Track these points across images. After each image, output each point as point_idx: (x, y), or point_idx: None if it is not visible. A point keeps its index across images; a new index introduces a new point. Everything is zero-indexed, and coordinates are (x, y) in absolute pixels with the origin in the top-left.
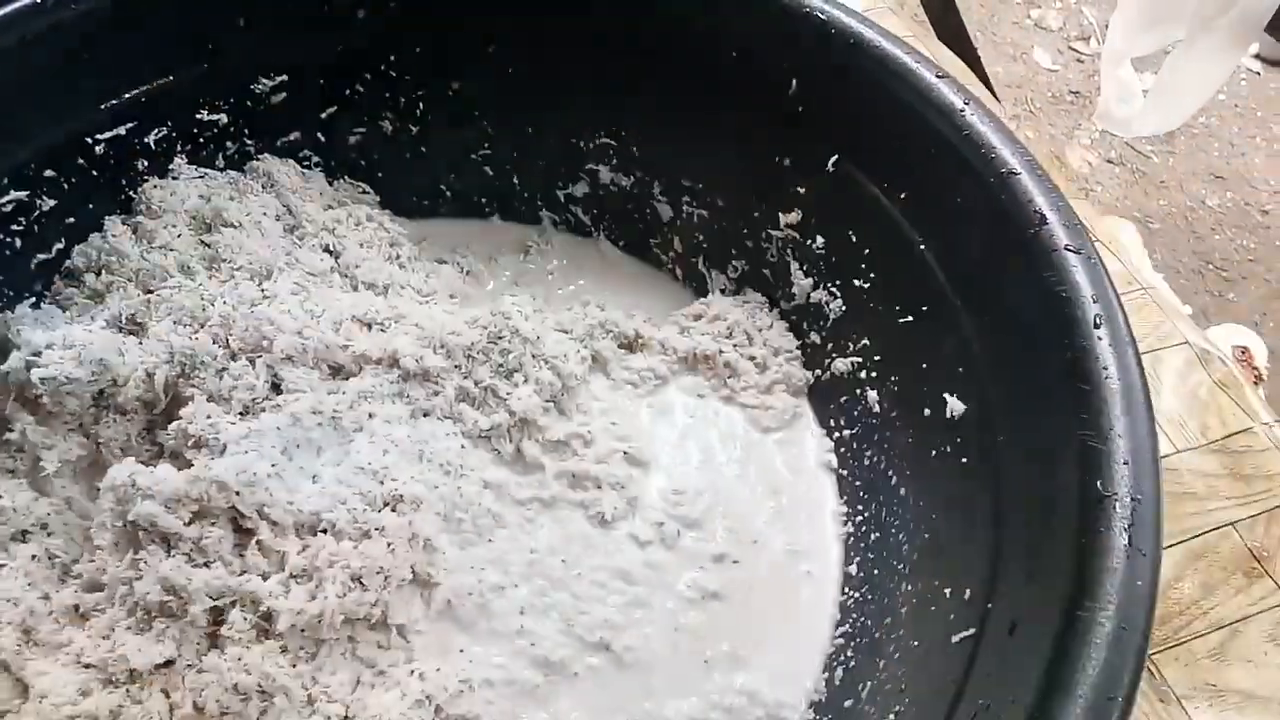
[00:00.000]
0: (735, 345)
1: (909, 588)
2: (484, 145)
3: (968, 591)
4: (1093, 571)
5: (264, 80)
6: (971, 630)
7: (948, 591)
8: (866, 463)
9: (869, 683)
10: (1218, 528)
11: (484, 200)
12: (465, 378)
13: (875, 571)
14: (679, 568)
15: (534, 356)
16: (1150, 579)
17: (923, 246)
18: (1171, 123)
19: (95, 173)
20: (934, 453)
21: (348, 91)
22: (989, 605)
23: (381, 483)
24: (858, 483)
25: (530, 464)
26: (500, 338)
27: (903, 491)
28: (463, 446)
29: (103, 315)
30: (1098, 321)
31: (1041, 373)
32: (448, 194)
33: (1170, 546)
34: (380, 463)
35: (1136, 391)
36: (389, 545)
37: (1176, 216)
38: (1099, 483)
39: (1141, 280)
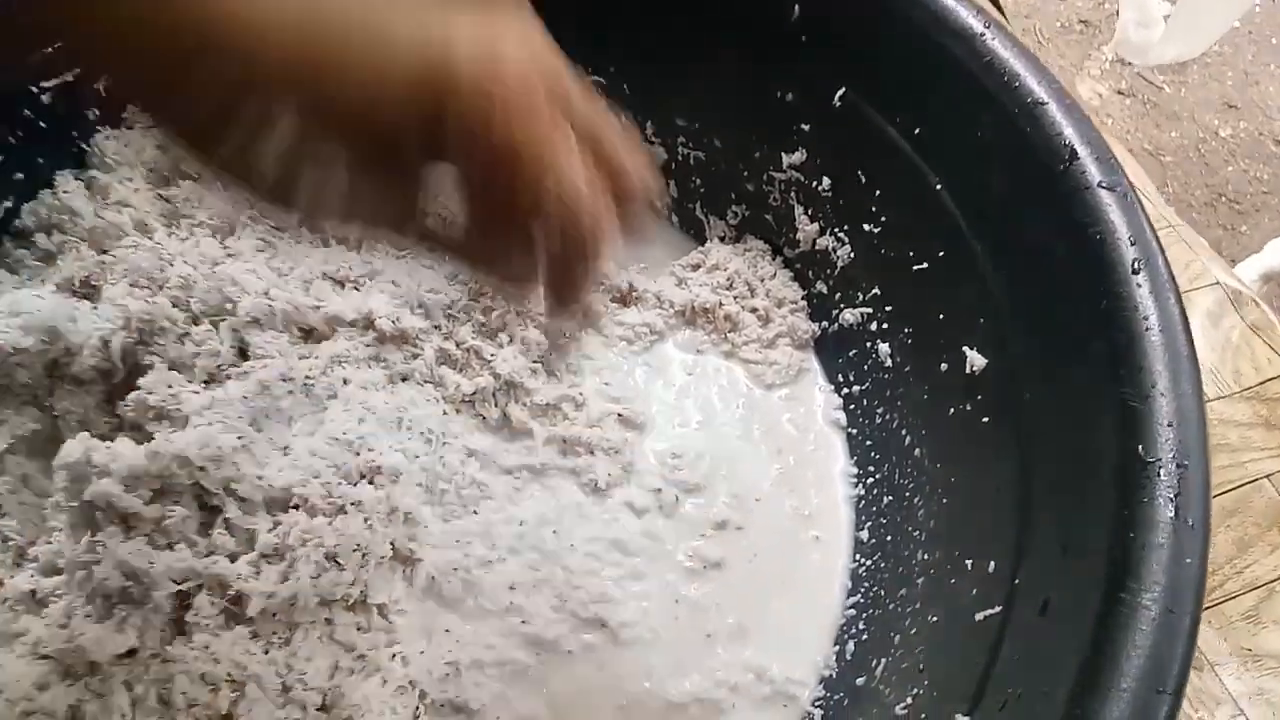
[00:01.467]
0: (736, 297)
1: (926, 557)
2: None
3: (992, 564)
4: (1136, 548)
5: None
6: (997, 608)
7: (969, 563)
8: (878, 420)
9: (883, 659)
10: (1252, 480)
11: None
12: (446, 339)
13: (888, 538)
14: (679, 536)
15: (518, 314)
16: (1200, 556)
17: (939, 186)
18: (1193, 50)
19: (43, 124)
20: (951, 410)
21: None
22: (1016, 581)
23: (357, 453)
24: (868, 442)
25: (517, 430)
26: (482, 294)
27: (917, 452)
28: (444, 413)
29: (54, 278)
30: (1136, 266)
31: (1073, 323)
32: None
33: None
34: (356, 432)
35: (1180, 344)
36: (366, 520)
37: (1189, 148)
38: (1140, 447)
39: (1167, 217)
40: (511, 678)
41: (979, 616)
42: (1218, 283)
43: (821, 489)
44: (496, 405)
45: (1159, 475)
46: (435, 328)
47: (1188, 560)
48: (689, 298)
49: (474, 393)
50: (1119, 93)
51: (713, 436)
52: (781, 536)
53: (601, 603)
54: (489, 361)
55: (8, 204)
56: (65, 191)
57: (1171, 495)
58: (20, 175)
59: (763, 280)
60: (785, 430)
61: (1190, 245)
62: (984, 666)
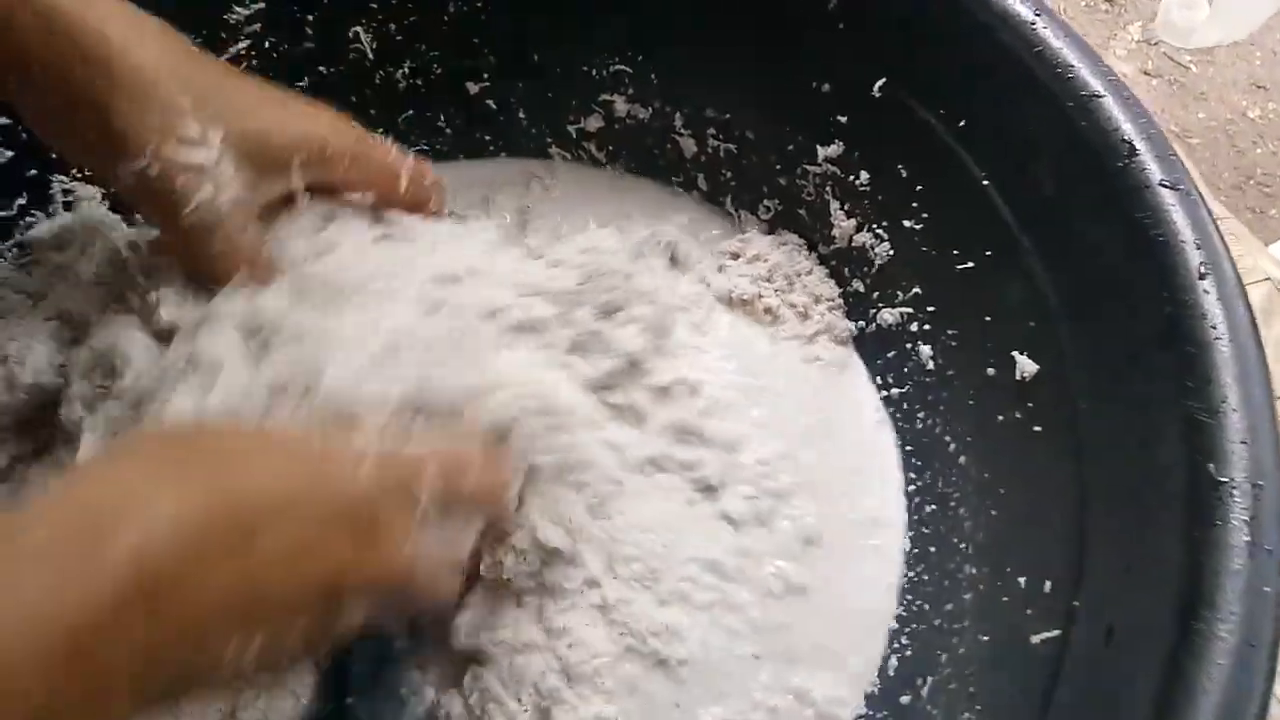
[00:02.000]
0: (776, 290)
1: (974, 571)
2: (483, 76)
3: (1047, 584)
4: (1209, 574)
5: (237, 8)
6: (1056, 631)
7: (1021, 581)
8: (919, 426)
9: (929, 678)
10: None
11: (487, 138)
12: (565, 326)
13: (932, 549)
14: (768, 553)
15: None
16: (1277, 584)
17: (986, 181)
18: (1238, 33)
19: None
20: (1000, 418)
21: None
22: (1075, 603)
23: None
24: (909, 447)
25: (640, 416)
26: (599, 274)
27: (963, 460)
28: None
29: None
30: (1203, 271)
31: (1134, 330)
32: (447, 131)
33: None
34: None
35: (1251, 355)
36: None
37: (1216, 130)
38: (1211, 465)
39: (1216, 209)
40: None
41: (1036, 640)
42: (1268, 278)
43: (878, 494)
44: (623, 391)
45: (1233, 496)
46: (558, 315)
47: (1266, 589)
48: (729, 286)
49: (600, 377)
50: (1145, 73)
51: (784, 430)
52: (851, 550)
53: (667, 636)
54: (611, 343)
55: (21, 202)
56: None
57: (1247, 518)
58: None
59: (800, 275)
60: (842, 430)
61: (1237, 238)
62: (1042, 695)
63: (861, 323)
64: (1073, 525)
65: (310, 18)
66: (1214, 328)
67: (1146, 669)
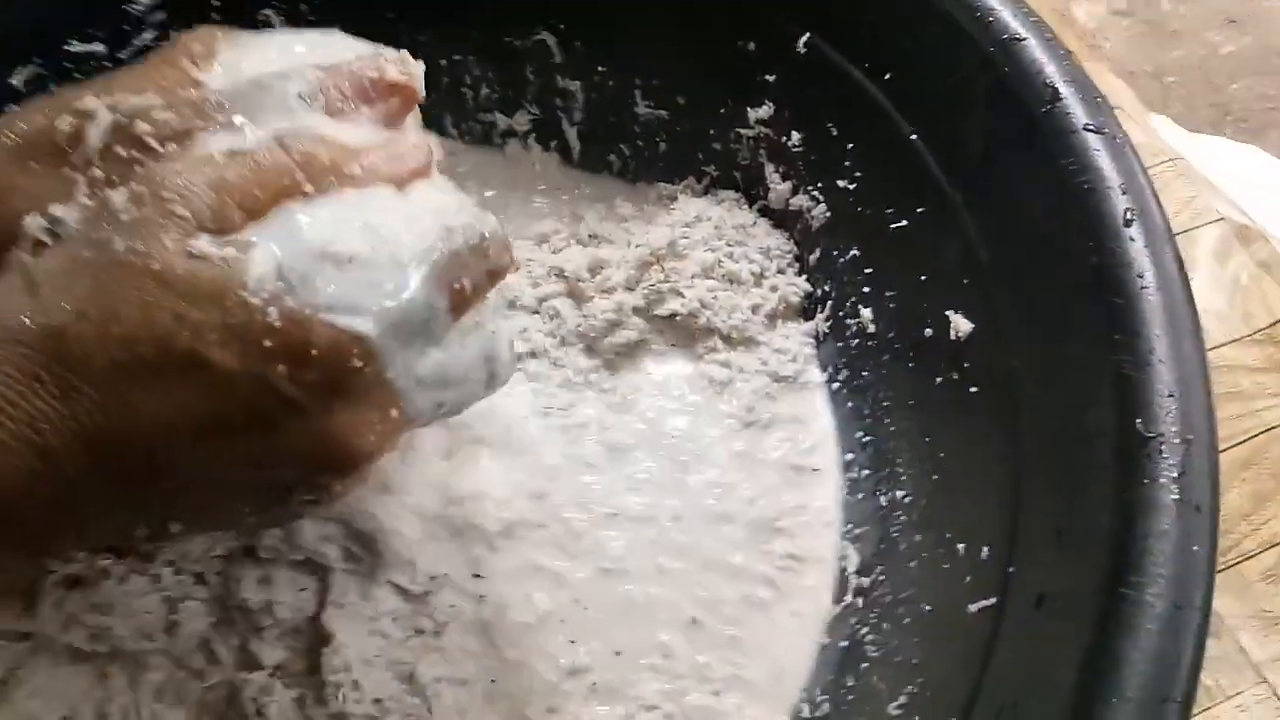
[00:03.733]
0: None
1: (918, 538)
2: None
3: (984, 550)
4: (1137, 536)
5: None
6: (992, 600)
7: (961, 547)
8: (864, 390)
9: (878, 652)
10: (1267, 430)
11: None
12: None
13: (878, 518)
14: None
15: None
16: (1208, 542)
17: (914, 136)
18: None
19: None
20: (939, 380)
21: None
22: (1010, 569)
23: None
24: (854, 411)
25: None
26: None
27: (905, 424)
28: None
29: None
30: (1129, 217)
31: (1062, 282)
32: None
33: None
34: None
35: (1180, 304)
36: None
37: (1191, 68)
38: (1139, 421)
39: (1166, 149)
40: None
41: (973, 609)
42: (1222, 218)
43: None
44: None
45: (1161, 453)
46: None
47: (1195, 548)
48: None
49: None
50: (1116, 13)
51: None
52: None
53: None
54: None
55: None
56: None
57: (1175, 475)
58: None
59: (744, 227)
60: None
61: (1190, 179)
62: (978, 666)
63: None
64: (1008, 489)
65: (216, 3)
66: (1140, 276)
67: (1075, 636)
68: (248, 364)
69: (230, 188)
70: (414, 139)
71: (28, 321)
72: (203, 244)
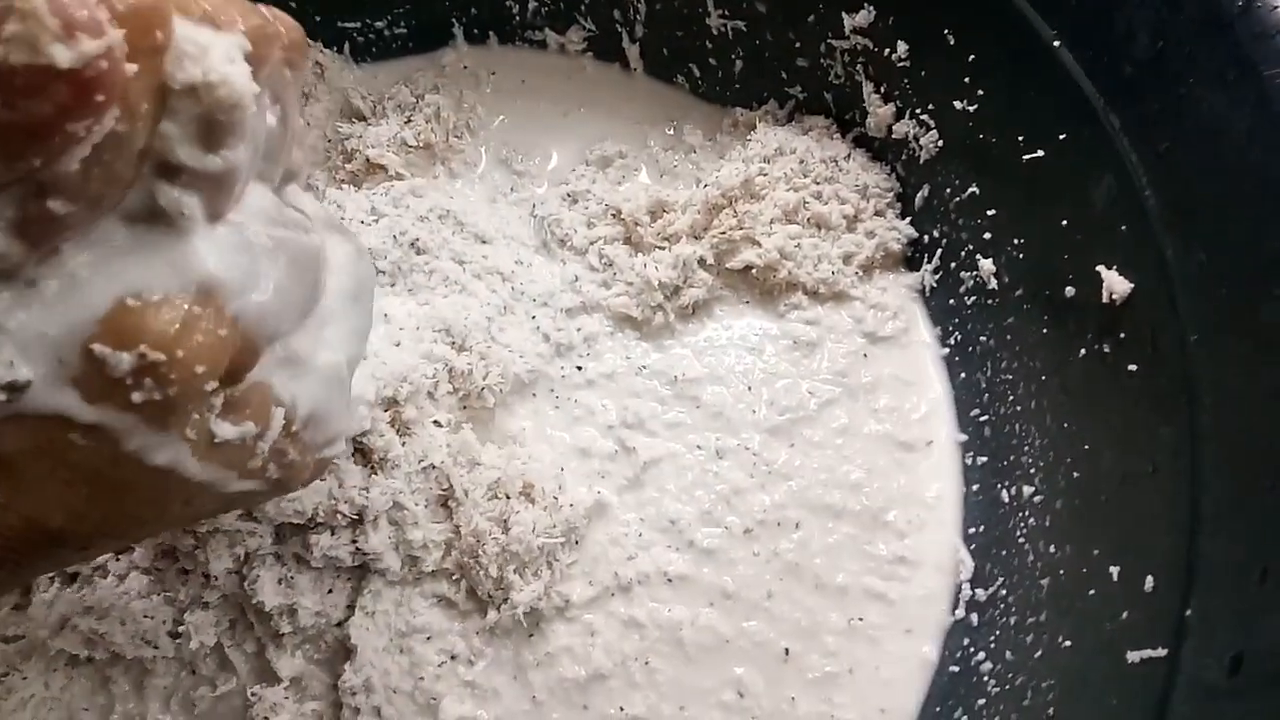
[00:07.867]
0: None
1: (1052, 550)
2: None
3: (1148, 580)
4: None
5: None
6: (1160, 650)
7: (1114, 571)
8: (980, 359)
9: (995, 685)
10: None
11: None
12: None
13: (999, 514)
14: None
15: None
16: None
17: (1057, 43)
18: None
19: None
20: (1083, 351)
21: None
22: (1187, 613)
23: None
24: (968, 383)
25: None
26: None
27: (1034, 405)
28: None
29: None
30: None
31: (1263, 230)
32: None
33: None
34: None
35: None
36: None
37: None
38: None
39: None
40: None
41: (1134, 658)
42: None
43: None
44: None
45: None
46: None
47: None
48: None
49: None
50: None
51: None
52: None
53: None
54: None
55: None
56: None
57: None
58: None
59: (836, 160)
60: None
61: None
62: None
63: (913, 232)
64: (1182, 501)
65: None
66: None
67: None
68: None
69: None
70: None
71: None
72: None
